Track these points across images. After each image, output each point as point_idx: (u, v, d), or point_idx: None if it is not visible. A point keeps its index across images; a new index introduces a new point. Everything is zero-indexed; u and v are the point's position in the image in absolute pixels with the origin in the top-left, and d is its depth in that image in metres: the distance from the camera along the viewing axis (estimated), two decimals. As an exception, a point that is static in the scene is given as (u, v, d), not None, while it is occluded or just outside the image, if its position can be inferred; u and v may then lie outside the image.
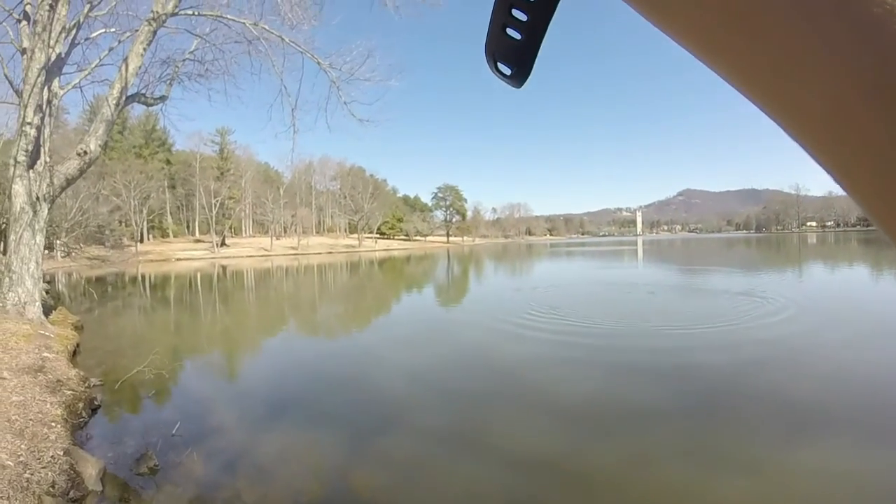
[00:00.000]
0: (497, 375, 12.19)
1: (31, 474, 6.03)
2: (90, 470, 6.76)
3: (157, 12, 16.38)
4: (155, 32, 16.70)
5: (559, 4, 0.49)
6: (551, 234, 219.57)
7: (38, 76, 14.60)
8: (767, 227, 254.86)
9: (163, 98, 20.29)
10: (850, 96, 0.25)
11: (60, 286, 31.15)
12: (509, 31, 0.52)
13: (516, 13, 0.51)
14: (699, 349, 13.48)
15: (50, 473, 6.25)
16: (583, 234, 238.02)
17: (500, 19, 0.52)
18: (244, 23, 19.04)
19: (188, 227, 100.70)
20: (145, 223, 77.08)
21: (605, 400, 10.07)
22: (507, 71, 0.54)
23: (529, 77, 0.56)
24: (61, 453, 6.89)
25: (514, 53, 0.53)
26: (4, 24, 16.98)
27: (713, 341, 14.35)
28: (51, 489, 5.90)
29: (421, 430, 8.89)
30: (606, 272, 43.11)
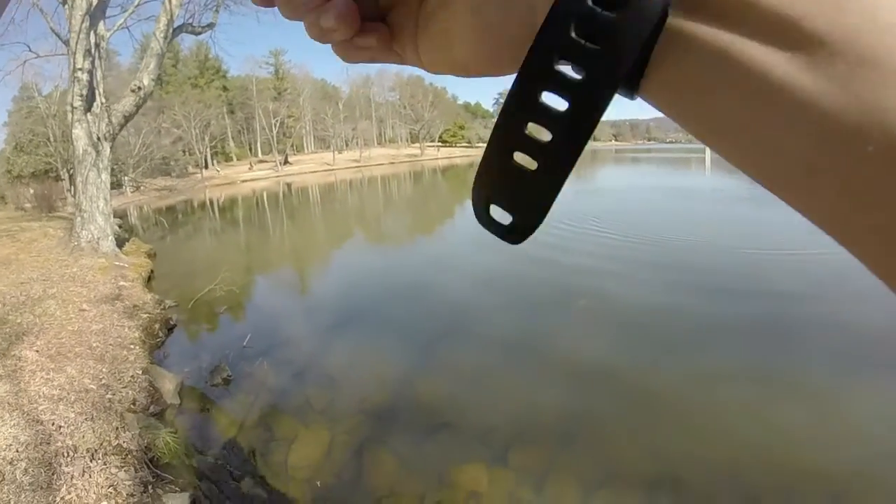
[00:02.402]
0: (561, 284, 12.09)
1: (113, 394, 6.39)
2: (168, 385, 7.12)
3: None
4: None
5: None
6: (616, 140, 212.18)
7: (82, 22, 14.61)
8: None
9: (210, 26, 20.06)
10: None
11: (132, 219, 32.12)
12: (518, 157, 0.34)
13: (533, 127, 0.33)
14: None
15: (130, 392, 6.61)
16: (649, 140, 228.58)
17: (507, 139, 0.34)
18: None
19: (250, 148, 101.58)
20: (208, 150, 77.90)
21: (671, 316, 9.73)
22: (506, 219, 0.36)
23: (536, 230, 0.37)
24: (140, 372, 7.26)
25: (522, 192, 0.35)
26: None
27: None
28: (132, 406, 6.25)
29: (486, 339, 8.97)
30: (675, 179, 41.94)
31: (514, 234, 0.37)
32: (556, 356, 8.17)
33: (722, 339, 8.53)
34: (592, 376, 7.43)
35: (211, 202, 42.22)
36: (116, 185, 38.66)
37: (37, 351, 7.26)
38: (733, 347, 8.19)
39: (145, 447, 5.37)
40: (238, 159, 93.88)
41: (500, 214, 0.36)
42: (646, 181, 41.16)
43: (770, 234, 15.23)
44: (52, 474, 4.54)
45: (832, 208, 0.26)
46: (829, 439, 5.72)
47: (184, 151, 70.30)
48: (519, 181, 0.35)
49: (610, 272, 12.75)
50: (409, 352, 8.55)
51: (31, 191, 31.15)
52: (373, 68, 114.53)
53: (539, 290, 11.84)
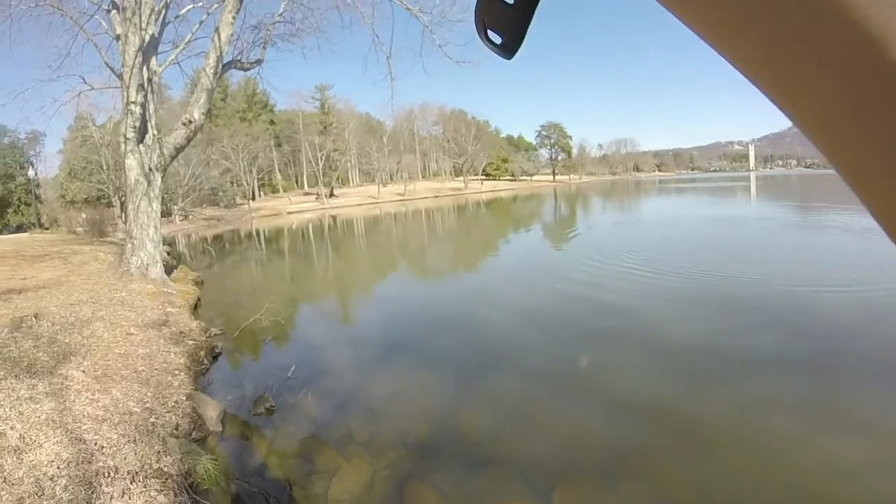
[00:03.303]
0: (606, 316, 11.93)
1: (157, 418, 6.38)
2: (211, 412, 7.09)
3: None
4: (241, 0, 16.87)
5: None
6: (660, 170, 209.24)
7: (136, 57, 15.23)
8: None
9: (258, 62, 20.57)
10: (841, 105, 0.26)
11: (181, 247, 32.76)
12: None
13: None
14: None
15: (173, 417, 6.60)
16: (692, 170, 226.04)
17: None
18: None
19: (297, 181, 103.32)
20: (255, 181, 79.49)
21: (714, 347, 9.59)
22: (498, 39, 0.50)
23: (521, 47, 0.51)
24: (184, 398, 7.26)
25: (505, 19, 0.49)
26: (97, 16, 17.79)
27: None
28: (174, 431, 6.22)
29: (529, 374, 8.84)
30: (721, 209, 41.42)
31: (505, 49, 0.51)
32: (599, 391, 8.00)
33: (769, 374, 8.27)
34: (636, 411, 7.26)
35: (257, 232, 42.88)
36: (166, 213, 39.54)
37: (83, 371, 7.30)
38: (781, 382, 7.92)
39: (186, 472, 5.33)
40: (284, 191, 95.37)
41: (494, 37, 0.50)
42: (691, 212, 40.58)
43: (816, 261, 15.19)
44: (92, 493, 4.50)
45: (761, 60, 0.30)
46: (879, 473, 5.52)
47: (232, 182, 71.70)
48: (503, 12, 0.48)
49: (654, 307, 12.46)
50: (452, 385, 8.43)
51: (84, 216, 31.98)
52: (416, 102, 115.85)
53: (581, 325, 11.59)
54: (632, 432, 6.70)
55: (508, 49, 0.51)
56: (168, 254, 21.50)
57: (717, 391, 7.82)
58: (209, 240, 37.35)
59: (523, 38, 0.49)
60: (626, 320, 11.55)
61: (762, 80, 0.31)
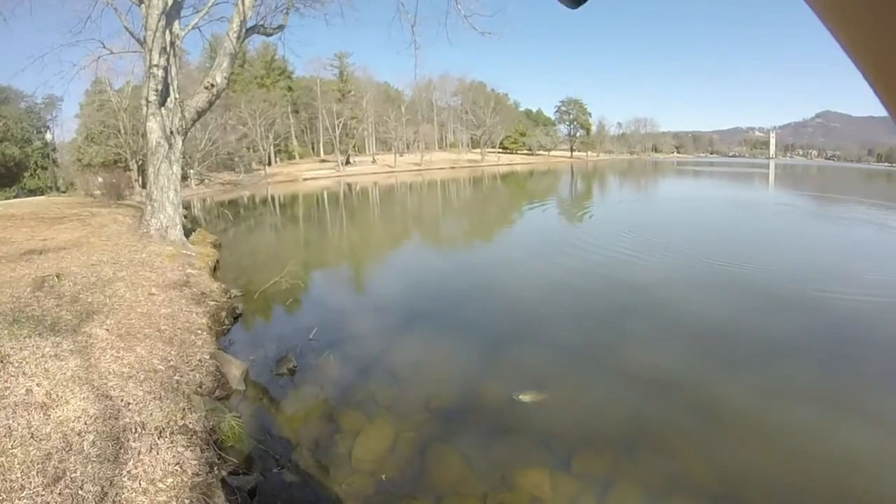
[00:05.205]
0: (623, 293, 11.95)
1: (181, 376, 6.40)
2: (234, 371, 7.12)
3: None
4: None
5: None
6: (678, 152, 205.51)
7: (159, 21, 15.11)
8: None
9: (281, 27, 20.36)
10: None
11: (196, 211, 32.83)
12: None
13: None
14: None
15: (197, 375, 6.62)
16: (711, 154, 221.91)
17: None
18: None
19: (313, 148, 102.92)
20: (272, 147, 79.36)
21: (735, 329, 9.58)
22: None
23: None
24: (207, 357, 7.27)
25: None
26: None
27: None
28: (198, 389, 6.25)
29: (550, 344, 8.88)
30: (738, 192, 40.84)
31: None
32: (620, 365, 8.00)
33: (791, 361, 8.22)
34: (658, 387, 7.29)
35: (273, 198, 42.87)
36: (182, 177, 39.56)
37: (107, 329, 7.32)
38: (802, 370, 7.88)
39: (210, 429, 5.35)
40: (301, 158, 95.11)
41: None
42: (710, 193, 40.23)
43: (831, 248, 15.08)
44: (120, 448, 4.52)
45: None
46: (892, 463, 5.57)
47: (248, 148, 71.49)
48: None
49: (673, 286, 12.49)
50: (474, 353, 8.45)
51: (101, 179, 31.93)
52: (436, 73, 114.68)
53: (604, 300, 11.62)
54: (651, 408, 6.77)
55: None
56: (185, 217, 21.55)
57: (740, 371, 7.87)
58: (225, 203, 37.43)
59: None
60: (647, 297, 11.60)
61: (872, 62, 0.29)
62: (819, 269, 13.90)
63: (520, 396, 6.83)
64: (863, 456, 5.61)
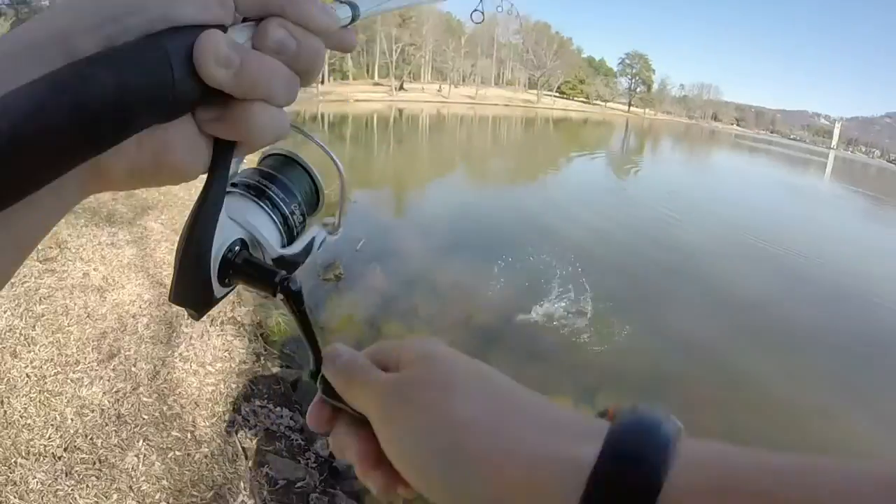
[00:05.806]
0: (663, 252, 12.08)
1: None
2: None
3: None
4: None
5: None
6: (738, 125, 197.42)
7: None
8: None
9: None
10: None
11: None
12: None
13: None
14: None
15: (243, 276, 6.76)
16: (772, 133, 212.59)
17: None
18: None
19: (368, 70, 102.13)
20: (326, 66, 78.97)
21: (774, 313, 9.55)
22: None
23: None
24: (256, 256, 7.42)
25: None
26: None
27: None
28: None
29: (587, 288, 8.86)
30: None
31: None
32: (651, 320, 8.17)
33: (817, 346, 8.42)
34: (686, 346, 7.50)
35: (322, 116, 42.77)
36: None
37: (161, 223, 7.50)
38: (832, 364, 7.95)
39: (258, 323, 5.50)
40: (354, 79, 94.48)
41: None
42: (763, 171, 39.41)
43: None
44: (172, 332, 4.67)
45: None
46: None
47: (303, 65, 71.39)
48: None
49: (717, 256, 12.62)
50: (513, 284, 8.62)
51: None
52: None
53: (643, 255, 11.75)
54: (677, 363, 7.00)
55: None
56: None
57: (768, 348, 8.13)
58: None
59: None
60: (689, 261, 11.81)
61: None
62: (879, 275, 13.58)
63: (553, 325, 6.97)
64: (871, 450, 5.72)
